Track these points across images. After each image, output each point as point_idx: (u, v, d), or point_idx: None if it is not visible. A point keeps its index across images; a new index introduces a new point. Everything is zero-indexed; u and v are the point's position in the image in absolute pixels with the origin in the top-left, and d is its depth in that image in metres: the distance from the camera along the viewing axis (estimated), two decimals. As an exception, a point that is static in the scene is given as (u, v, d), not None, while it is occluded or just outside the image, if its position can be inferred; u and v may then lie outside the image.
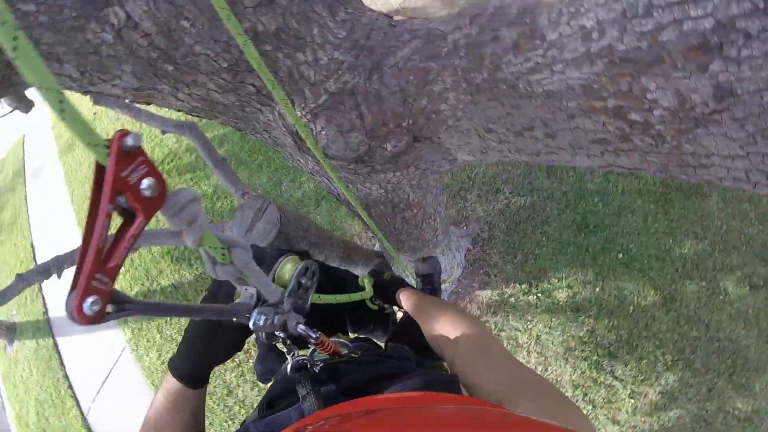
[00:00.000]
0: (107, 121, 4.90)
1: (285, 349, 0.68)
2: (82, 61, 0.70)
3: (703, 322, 2.40)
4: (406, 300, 1.02)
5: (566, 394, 2.40)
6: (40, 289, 4.03)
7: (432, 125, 0.88)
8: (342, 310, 1.21)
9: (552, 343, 2.54)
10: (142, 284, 3.51)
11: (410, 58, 0.80)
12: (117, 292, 0.35)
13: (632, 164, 0.71)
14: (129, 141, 0.31)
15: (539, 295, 2.66)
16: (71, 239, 4.13)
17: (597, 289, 2.60)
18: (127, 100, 0.86)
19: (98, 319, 0.32)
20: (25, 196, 4.93)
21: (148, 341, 3.29)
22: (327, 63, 0.82)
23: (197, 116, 1.00)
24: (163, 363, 3.15)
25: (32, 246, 4.38)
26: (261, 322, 0.53)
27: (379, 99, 0.84)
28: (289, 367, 0.67)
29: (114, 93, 0.81)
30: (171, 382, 0.68)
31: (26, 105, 1.98)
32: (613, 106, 0.62)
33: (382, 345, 1.05)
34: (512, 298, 2.69)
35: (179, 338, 3.11)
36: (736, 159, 0.57)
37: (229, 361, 2.85)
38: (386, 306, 1.23)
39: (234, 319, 0.54)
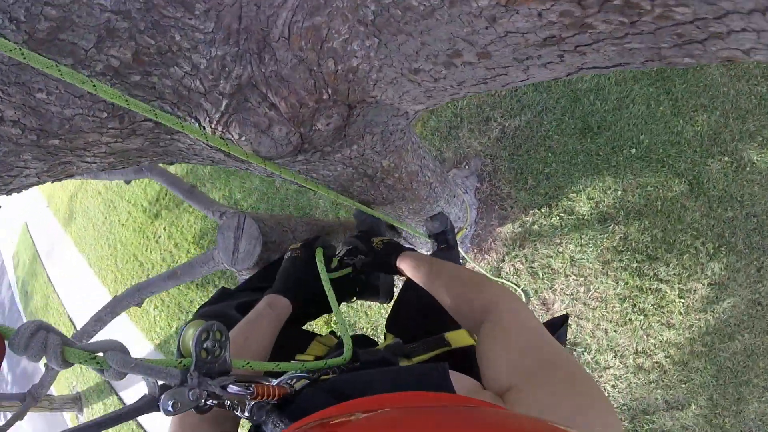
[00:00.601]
0: (95, 181, 4.92)
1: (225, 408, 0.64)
2: None
3: (736, 199, 2.23)
4: (409, 270, 0.99)
5: (614, 309, 2.31)
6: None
7: (357, 86, 0.76)
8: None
9: (587, 261, 2.42)
10: (179, 318, 3.56)
11: (293, 21, 0.68)
12: None
13: (608, 60, 0.56)
14: None
15: (561, 215, 2.53)
16: (100, 298, 4.24)
17: (619, 193, 2.44)
18: (50, 182, 0.84)
19: None
20: (48, 277, 5.11)
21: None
22: (208, 65, 0.70)
23: (122, 168, 0.93)
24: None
25: (70, 318, 4.54)
26: (170, 408, 0.49)
27: (283, 80, 0.73)
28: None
29: (32, 182, 0.80)
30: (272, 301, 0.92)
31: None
32: None
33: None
34: (535, 226, 2.57)
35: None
36: (746, 32, 0.41)
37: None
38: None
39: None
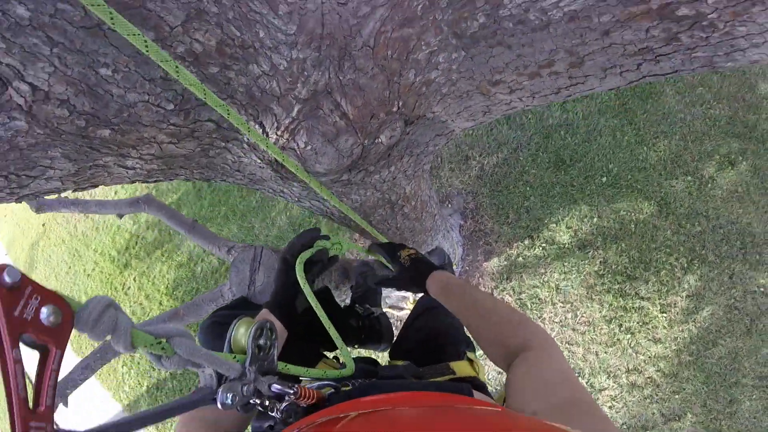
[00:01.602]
0: (59, 228, 4.65)
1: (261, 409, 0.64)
2: (1, 164, 0.59)
3: (702, 214, 2.42)
4: (439, 290, 0.91)
5: (602, 331, 2.39)
6: None
7: (424, 100, 0.80)
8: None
9: (572, 288, 2.51)
10: (150, 376, 3.32)
11: (380, 31, 0.72)
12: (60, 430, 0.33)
13: (672, 67, 0.66)
14: (6, 278, 0.29)
15: (543, 245, 2.64)
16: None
17: (595, 220, 2.58)
18: (69, 191, 0.74)
19: None
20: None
21: None
22: (288, 67, 0.71)
23: (155, 181, 0.89)
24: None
25: (28, 377, 4.14)
26: (229, 401, 0.50)
27: (359, 89, 0.75)
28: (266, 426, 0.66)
29: (51, 188, 0.70)
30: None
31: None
32: (657, 6, 0.56)
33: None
34: (520, 258, 2.65)
35: None
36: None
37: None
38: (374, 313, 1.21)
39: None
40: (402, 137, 0.92)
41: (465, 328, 0.91)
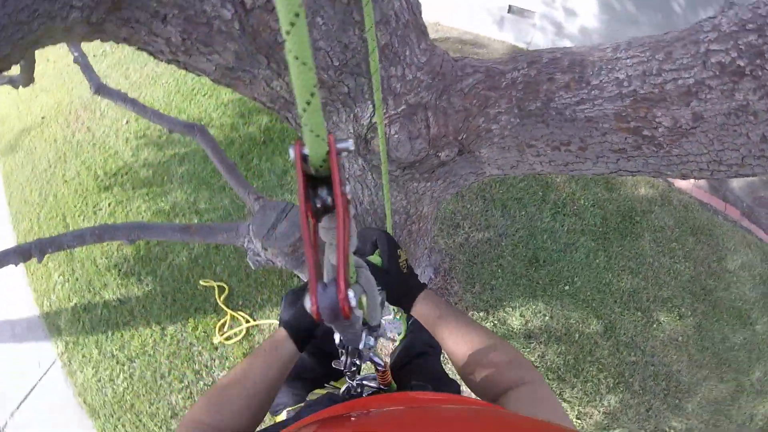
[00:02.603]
0: (57, 128, 4.60)
1: (348, 374, 0.69)
2: (189, 29, 0.74)
3: (640, 348, 2.70)
4: (429, 311, 0.83)
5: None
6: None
7: (480, 141, 1.04)
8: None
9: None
10: (83, 296, 3.24)
11: (474, 86, 0.99)
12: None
13: (636, 167, 0.93)
14: (341, 144, 0.32)
15: (495, 322, 2.85)
16: (4, 241, 3.75)
17: (547, 318, 2.83)
18: (209, 78, 0.89)
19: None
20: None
21: (83, 356, 3.01)
22: (411, 80, 0.97)
23: (271, 107, 1.04)
24: (99, 380, 2.90)
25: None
26: (372, 343, 0.56)
27: (445, 115, 1.00)
28: (343, 389, 0.71)
29: (203, 68, 0.85)
30: (281, 340, 0.77)
31: (27, 79, 1.89)
32: (633, 126, 0.83)
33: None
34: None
35: (120, 355, 2.93)
36: (702, 155, 0.83)
37: (176, 381, 2.71)
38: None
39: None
40: (451, 160, 1.14)
41: (447, 355, 0.84)
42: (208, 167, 3.78)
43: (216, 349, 2.89)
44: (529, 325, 2.83)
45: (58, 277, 3.39)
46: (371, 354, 0.62)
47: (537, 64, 0.95)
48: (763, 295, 3.05)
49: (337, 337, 0.61)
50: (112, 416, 2.78)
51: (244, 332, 2.91)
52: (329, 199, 0.32)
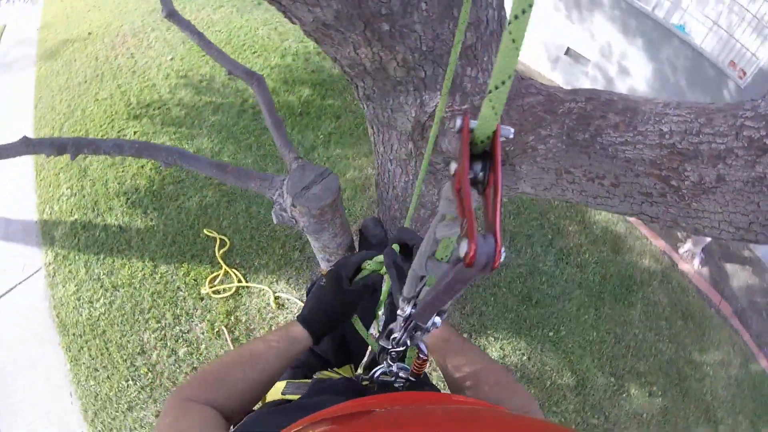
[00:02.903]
0: (102, 46, 4.62)
1: (387, 359, 0.69)
2: None
3: (605, 413, 2.73)
4: (441, 335, 0.82)
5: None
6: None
7: (524, 156, 1.09)
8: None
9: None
10: (85, 214, 3.26)
11: (533, 105, 1.05)
12: None
13: (656, 213, 1.01)
14: (504, 130, 0.35)
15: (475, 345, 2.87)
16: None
17: (524, 358, 2.86)
18: (303, 28, 0.93)
19: None
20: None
21: (69, 272, 3.02)
22: (481, 84, 1.03)
23: (347, 72, 1.09)
24: (78, 299, 2.91)
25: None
26: (438, 323, 0.57)
27: (501, 124, 1.05)
28: (378, 373, 0.70)
29: (301, 16, 0.88)
30: (300, 337, 0.78)
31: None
32: (664, 174, 0.91)
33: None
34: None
35: (106, 280, 2.94)
36: (716, 214, 0.91)
37: (153, 320, 2.72)
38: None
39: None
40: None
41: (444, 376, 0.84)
42: (241, 123, 3.83)
43: (201, 299, 2.90)
44: (507, 359, 2.86)
45: (66, 189, 3.41)
46: (420, 339, 0.62)
47: (594, 100, 1.01)
48: (733, 396, 3.10)
49: (401, 311, 0.60)
50: (81, 337, 2.78)
51: (233, 290, 2.92)
52: (480, 174, 0.35)
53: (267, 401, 0.89)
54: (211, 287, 2.92)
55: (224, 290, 2.93)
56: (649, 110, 0.95)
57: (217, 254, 3.05)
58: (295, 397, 0.83)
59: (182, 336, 2.76)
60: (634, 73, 4.53)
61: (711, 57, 3.94)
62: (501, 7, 0.98)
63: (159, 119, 3.84)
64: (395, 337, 0.64)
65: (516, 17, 0.29)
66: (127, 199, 3.34)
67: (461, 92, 1.04)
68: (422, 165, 1.14)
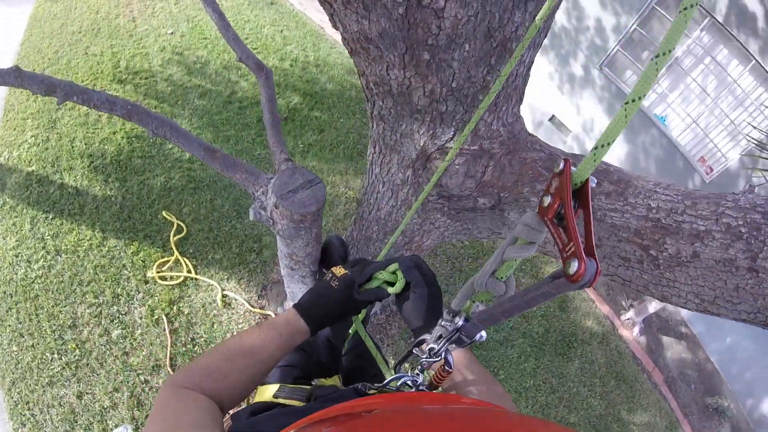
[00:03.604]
0: (105, 2, 4.47)
1: (417, 368, 0.70)
2: None
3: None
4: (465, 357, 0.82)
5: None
6: None
7: (516, 205, 1.16)
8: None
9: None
10: (44, 168, 3.09)
11: (535, 160, 1.13)
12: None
13: (629, 277, 1.08)
14: (593, 181, 0.45)
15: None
16: None
17: (461, 395, 2.90)
18: (344, 35, 0.95)
19: None
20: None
21: (13, 224, 2.81)
22: (494, 130, 1.09)
23: (369, 90, 1.12)
24: (17, 256, 2.72)
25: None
26: (484, 338, 0.61)
27: (502, 170, 1.12)
28: (401, 381, 0.69)
29: (346, 23, 0.90)
30: (300, 329, 0.77)
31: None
32: (645, 243, 0.98)
33: None
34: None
35: (50, 242, 2.78)
36: (685, 285, 0.99)
37: (91, 295, 2.57)
38: None
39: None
40: (482, 209, 1.25)
41: None
42: (224, 114, 3.78)
43: (146, 282, 2.78)
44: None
45: (31, 137, 3.23)
46: (450, 353, 0.63)
47: None
48: None
49: (447, 323, 0.62)
50: (11, 297, 2.60)
51: (181, 279, 2.82)
52: (562, 210, 0.43)
53: (254, 402, 0.90)
54: (158, 272, 2.80)
55: (172, 278, 2.82)
56: (640, 185, 1.04)
57: (171, 239, 2.95)
58: (291, 402, 0.84)
59: (119, 317, 2.62)
60: (609, 152, 4.83)
61: (684, 150, 4.27)
62: (530, 67, 1.06)
63: (143, 89, 3.74)
64: (432, 348, 0.64)
65: (633, 101, 0.39)
66: (91, 162, 3.21)
67: (474, 134, 1.09)
68: (421, 195, 1.19)
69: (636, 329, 3.86)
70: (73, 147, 3.24)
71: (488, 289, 0.54)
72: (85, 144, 3.27)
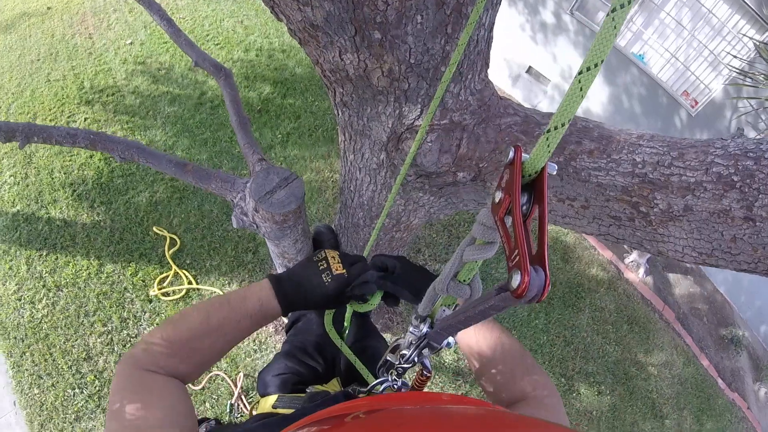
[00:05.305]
0: (59, 23, 4.33)
1: (393, 375, 0.69)
2: None
3: (552, 411, 2.85)
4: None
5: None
6: None
7: (496, 173, 1.12)
8: None
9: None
10: (28, 205, 3.05)
11: (510, 125, 1.08)
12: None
13: (622, 235, 1.05)
14: (551, 167, 0.38)
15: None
16: None
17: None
18: (288, 26, 0.92)
19: None
20: None
21: (10, 269, 2.80)
22: (462, 101, 1.04)
23: (327, 77, 1.08)
24: (19, 299, 2.71)
25: None
26: (452, 344, 0.56)
27: (477, 141, 1.08)
28: (383, 387, 0.68)
29: (290, 14, 0.86)
30: (272, 308, 0.75)
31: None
32: (634, 201, 0.94)
33: None
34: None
35: (49, 279, 2.78)
36: (680, 240, 0.96)
37: (99, 324, 2.57)
38: None
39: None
40: (463, 183, 1.22)
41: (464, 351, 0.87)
42: (197, 117, 3.70)
43: (150, 301, 2.78)
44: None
45: (10, 177, 3.18)
46: (426, 357, 0.61)
47: (570, 126, 1.05)
48: (677, 394, 3.32)
49: (414, 329, 0.60)
50: (23, 341, 2.60)
51: (183, 292, 2.82)
52: (524, 207, 0.37)
53: (256, 413, 0.89)
54: (160, 289, 2.81)
55: (174, 292, 2.83)
56: (623, 140, 1.00)
57: (166, 254, 2.94)
58: (289, 411, 0.82)
59: (130, 340, 2.64)
60: (590, 96, 4.74)
61: (666, 86, 4.20)
62: (491, 28, 1.00)
63: (112, 106, 3.66)
64: (404, 354, 0.63)
65: (588, 69, 0.33)
66: (74, 191, 3.17)
67: (442, 107, 1.05)
68: (398, 177, 1.15)
69: (641, 270, 3.88)
70: (53, 179, 3.19)
71: (451, 293, 0.51)
72: (65, 173, 3.22)
